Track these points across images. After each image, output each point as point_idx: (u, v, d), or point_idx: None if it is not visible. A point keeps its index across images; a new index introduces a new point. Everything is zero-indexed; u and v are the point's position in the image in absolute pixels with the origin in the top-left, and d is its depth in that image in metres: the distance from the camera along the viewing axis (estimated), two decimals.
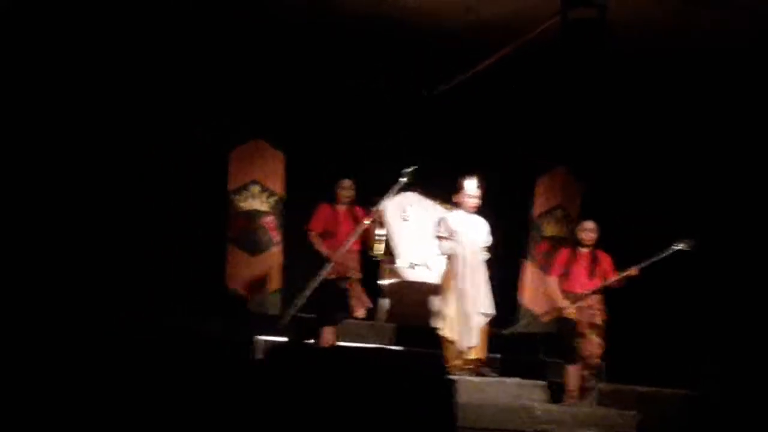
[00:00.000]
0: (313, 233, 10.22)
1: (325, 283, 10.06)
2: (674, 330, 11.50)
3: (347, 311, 10.22)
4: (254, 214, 11.53)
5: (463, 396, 8.90)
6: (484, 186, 10.51)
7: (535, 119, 12.17)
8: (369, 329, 11.16)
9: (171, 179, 11.34)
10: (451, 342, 10.21)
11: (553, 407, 9.86)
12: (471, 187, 10.45)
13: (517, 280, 12.21)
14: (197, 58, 11.26)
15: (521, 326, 11.64)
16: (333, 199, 10.37)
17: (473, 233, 10.44)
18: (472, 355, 10.26)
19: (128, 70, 11.09)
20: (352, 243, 10.17)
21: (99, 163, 10.98)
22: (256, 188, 11.58)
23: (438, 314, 10.39)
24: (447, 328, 10.22)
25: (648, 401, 10.11)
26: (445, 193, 12.11)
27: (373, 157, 12.07)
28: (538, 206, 12.26)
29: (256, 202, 11.56)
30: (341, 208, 10.37)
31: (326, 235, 10.23)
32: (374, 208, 10.43)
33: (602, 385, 10.34)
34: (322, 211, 10.32)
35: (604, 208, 11.05)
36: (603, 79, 11.23)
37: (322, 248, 10.13)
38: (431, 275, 11.74)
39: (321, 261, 10.15)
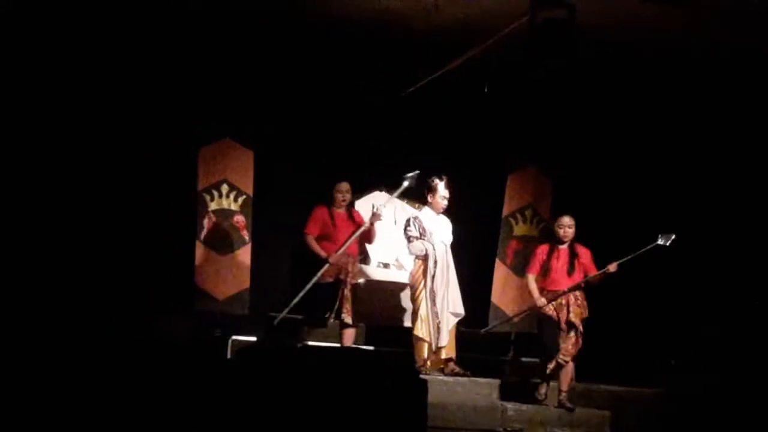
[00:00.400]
0: (309, 236, 10.30)
1: (320, 285, 10.10)
2: (645, 329, 11.54)
3: (336, 314, 10.25)
4: (224, 213, 11.48)
5: (433, 396, 8.87)
6: (454, 186, 10.54)
7: (505, 119, 12.19)
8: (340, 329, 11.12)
9: (139, 178, 11.27)
10: (423, 341, 10.23)
11: (525, 407, 9.88)
12: (443, 187, 10.48)
13: (489, 280, 12.19)
14: (165, 57, 11.20)
15: (498, 325, 11.62)
16: (330, 202, 10.46)
17: (443, 233, 10.50)
18: (443, 355, 10.30)
19: (96, 70, 11.02)
20: (350, 245, 10.28)
21: (66, 163, 10.90)
22: (225, 187, 11.52)
23: (411, 314, 10.45)
24: (419, 328, 10.25)
25: (620, 400, 10.16)
26: (415, 192, 12.14)
27: (344, 156, 12.08)
28: (509, 205, 12.26)
29: (226, 201, 11.50)
30: (338, 211, 10.44)
31: (323, 238, 10.31)
32: (374, 210, 10.50)
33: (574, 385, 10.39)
34: (319, 214, 10.38)
35: (575, 208, 11.05)
36: (573, 79, 11.26)
37: (320, 251, 10.22)
38: (401, 274, 11.76)
39: (316, 263, 10.18)
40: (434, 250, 10.39)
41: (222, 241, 11.43)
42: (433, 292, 10.32)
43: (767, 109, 11.28)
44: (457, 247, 12.01)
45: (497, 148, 12.31)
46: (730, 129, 11.65)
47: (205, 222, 11.42)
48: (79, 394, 7.29)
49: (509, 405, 9.79)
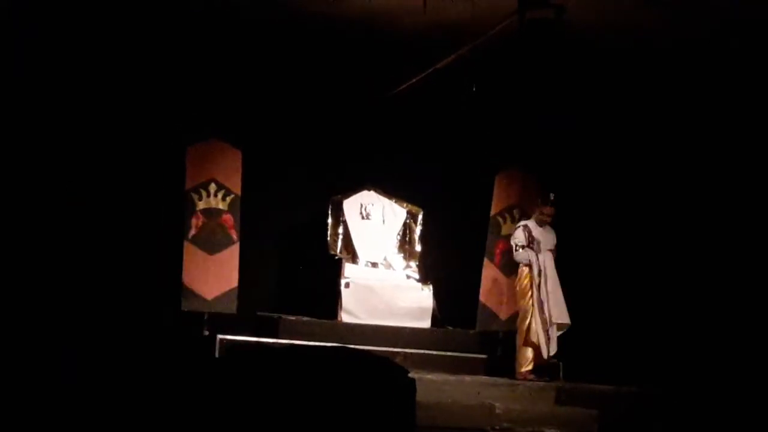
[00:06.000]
0: None
1: None
2: (633, 329, 11.56)
3: None
4: (212, 213, 11.47)
5: (422, 395, 8.87)
6: (554, 202, 10.91)
7: (493, 118, 12.19)
8: (328, 329, 11.13)
9: (127, 178, 11.27)
10: (533, 347, 10.60)
11: (513, 406, 9.89)
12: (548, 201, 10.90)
13: (478, 279, 12.18)
14: (152, 57, 11.19)
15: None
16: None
17: (549, 243, 10.83)
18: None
19: (83, 71, 11.01)
20: None
21: (54, 163, 10.89)
22: (213, 187, 11.52)
23: (520, 321, 10.80)
24: (531, 335, 10.64)
25: (607, 399, 10.16)
26: (403, 191, 12.16)
27: (332, 155, 12.09)
28: (496, 205, 12.26)
29: (214, 200, 11.50)
30: None
31: None
32: None
33: (562, 384, 10.46)
34: None
35: (564, 206, 11.09)
36: (561, 79, 11.27)
37: None
38: (389, 273, 11.81)
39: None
40: (538, 259, 10.68)
41: (210, 240, 11.42)
42: (540, 300, 10.62)
43: (760, 111, 11.28)
44: (445, 247, 12.10)
45: (485, 148, 12.31)
46: (721, 129, 11.65)
47: (193, 221, 11.41)
48: (67, 393, 7.30)
49: (497, 404, 9.79)
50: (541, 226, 10.92)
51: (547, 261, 10.73)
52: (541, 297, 10.63)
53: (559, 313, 10.64)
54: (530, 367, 10.64)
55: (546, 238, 10.86)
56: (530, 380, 10.51)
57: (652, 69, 11.20)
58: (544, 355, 10.62)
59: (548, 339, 10.59)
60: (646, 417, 10.01)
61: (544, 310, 10.60)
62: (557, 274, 10.79)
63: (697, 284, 11.43)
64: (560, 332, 10.68)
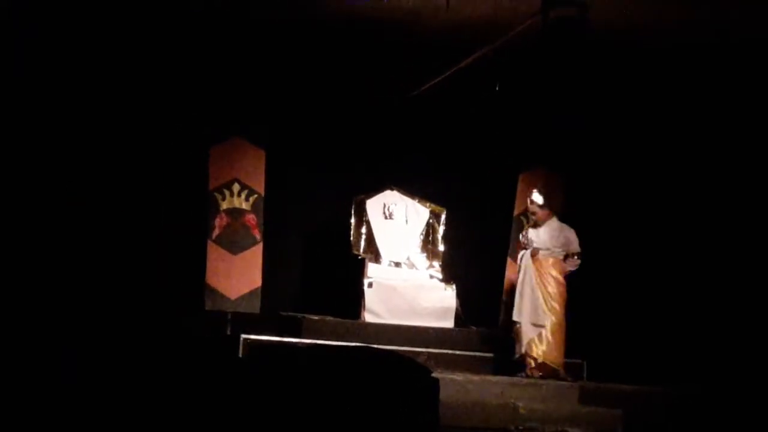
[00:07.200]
0: None
1: None
2: (657, 328, 11.52)
3: None
4: (235, 213, 11.50)
5: (447, 394, 8.88)
6: (543, 199, 10.97)
7: (516, 117, 12.18)
8: (351, 328, 11.13)
9: (151, 178, 11.31)
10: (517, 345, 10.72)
11: (537, 405, 9.88)
12: (529, 202, 11.09)
13: (501, 278, 12.17)
14: (176, 56, 11.22)
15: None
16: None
17: (545, 242, 10.86)
18: (548, 362, 10.67)
19: (107, 71, 11.04)
20: None
21: (78, 164, 10.94)
22: (236, 186, 11.54)
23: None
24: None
25: (632, 399, 10.13)
26: (427, 191, 12.14)
27: (355, 155, 12.09)
28: (519, 204, 12.24)
29: (237, 200, 11.52)
30: None
31: None
32: None
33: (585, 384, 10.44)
34: None
35: (588, 205, 11.06)
36: (584, 78, 11.24)
37: None
38: (413, 273, 11.79)
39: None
40: (521, 259, 10.84)
41: (233, 240, 11.46)
42: (516, 297, 10.77)
43: None
44: (468, 247, 12.05)
45: (510, 147, 12.30)
46: (744, 128, 11.60)
47: (217, 221, 11.44)
48: (91, 393, 7.32)
49: (521, 403, 9.78)
50: (534, 227, 10.99)
51: (523, 261, 10.85)
52: (516, 294, 10.82)
53: (530, 313, 10.71)
54: (531, 365, 10.68)
55: (543, 238, 10.88)
56: (526, 376, 10.59)
57: (678, 67, 11.15)
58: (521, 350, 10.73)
59: (517, 335, 10.73)
60: (671, 417, 9.98)
61: (514, 306, 10.79)
62: (549, 276, 10.83)
63: (724, 283, 11.38)
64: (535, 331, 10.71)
